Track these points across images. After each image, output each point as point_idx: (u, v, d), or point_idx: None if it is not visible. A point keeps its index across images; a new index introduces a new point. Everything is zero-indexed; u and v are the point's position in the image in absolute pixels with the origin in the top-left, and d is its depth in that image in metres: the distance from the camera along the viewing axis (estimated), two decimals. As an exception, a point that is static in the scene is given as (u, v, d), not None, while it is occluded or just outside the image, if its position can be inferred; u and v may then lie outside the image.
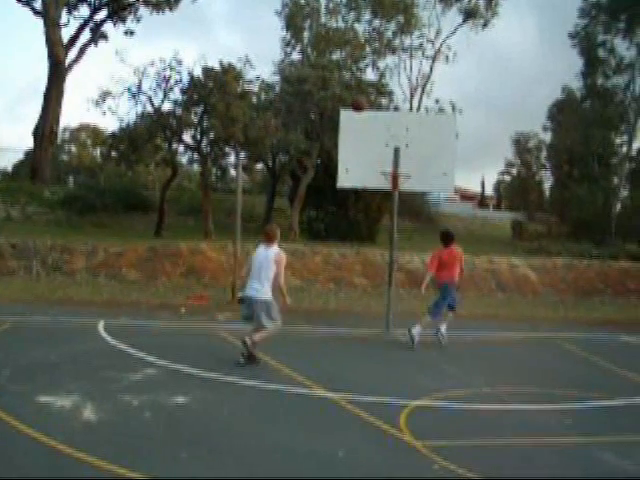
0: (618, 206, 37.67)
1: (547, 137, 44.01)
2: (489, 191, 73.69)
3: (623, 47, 36.77)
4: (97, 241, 19.86)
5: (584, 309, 19.61)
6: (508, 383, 9.76)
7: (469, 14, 40.36)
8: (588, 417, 8.26)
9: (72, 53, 32.34)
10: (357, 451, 6.43)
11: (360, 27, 36.39)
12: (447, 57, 41.33)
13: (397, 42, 38.64)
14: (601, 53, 37.42)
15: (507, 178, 52.92)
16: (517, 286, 21.60)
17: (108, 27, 34.67)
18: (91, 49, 29.70)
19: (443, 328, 12.32)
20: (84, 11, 33.17)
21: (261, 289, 9.75)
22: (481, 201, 69.66)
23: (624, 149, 38.33)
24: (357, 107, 13.04)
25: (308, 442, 6.61)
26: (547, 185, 46.28)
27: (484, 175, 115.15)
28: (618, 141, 39.17)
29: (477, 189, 73.39)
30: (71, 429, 6.45)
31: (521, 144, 46.34)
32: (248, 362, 9.55)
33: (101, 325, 11.98)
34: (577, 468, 6.43)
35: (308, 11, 32.23)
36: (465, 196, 64.04)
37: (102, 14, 33.59)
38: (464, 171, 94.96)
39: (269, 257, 9.80)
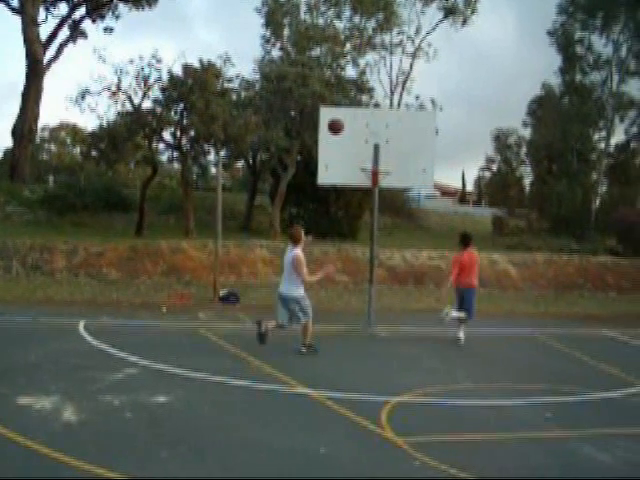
0: (597, 201, 38.04)
1: (527, 133, 44.31)
2: (470, 187, 74.07)
3: (600, 44, 37.16)
4: (77, 240, 19.74)
5: (564, 304, 19.76)
6: (489, 378, 9.83)
7: (449, 11, 40.55)
8: (568, 411, 8.34)
9: (51, 51, 32.15)
10: (339, 448, 6.46)
11: (340, 24, 36.43)
12: (427, 55, 41.55)
13: (377, 39, 38.70)
14: (579, 50, 37.76)
15: (487, 174, 53.18)
16: (498, 281, 21.72)
17: (87, 25, 34.48)
18: (70, 47, 29.48)
19: (455, 314, 12.53)
20: (62, 8, 32.99)
21: (289, 287, 10.58)
22: (462, 197, 69.93)
23: (602, 145, 38.68)
24: (334, 128, 13.03)
25: (290, 440, 6.63)
26: (527, 181, 46.63)
27: (465, 171, 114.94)
28: (596, 137, 39.55)
29: (458, 185, 73.72)
30: (51, 430, 6.43)
31: (501, 140, 46.57)
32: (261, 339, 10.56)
33: (82, 325, 11.92)
34: (557, 462, 6.50)
35: (288, 8, 32.14)
36: (446, 192, 64.29)
37: (81, 11, 33.42)
38: (445, 167, 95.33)
39: (289, 259, 10.58)
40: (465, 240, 12.95)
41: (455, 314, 12.46)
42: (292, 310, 10.61)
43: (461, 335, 12.42)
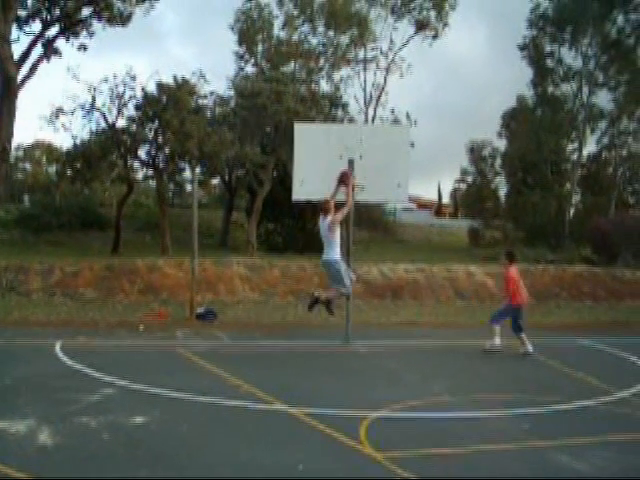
0: (571, 211, 38.47)
1: (501, 145, 44.70)
2: (446, 199, 74.42)
3: (570, 57, 37.72)
4: (53, 260, 19.62)
5: (540, 314, 19.85)
6: (468, 390, 9.86)
7: (420, 25, 40.84)
8: (545, 421, 8.37)
9: (24, 69, 31.89)
10: (317, 464, 6.44)
11: (314, 40, 36.63)
12: (401, 71, 41.79)
13: (351, 54, 38.93)
14: (549, 63, 38.28)
15: (463, 186, 53.42)
16: (475, 293, 21.83)
17: (61, 43, 34.31)
18: (44, 65, 29.28)
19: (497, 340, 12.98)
20: (36, 27, 32.75)
21: (327, 252, 11.84)
22: (438, 209, 70.26)
23: (575, 156, 39.16)
24: (344, 180, 12.72)
25: (268, 457, 6.60)
26: (502, 192, 46.96)
27: (440, 183, 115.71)
28: (569, 148, 40.07)
29: (434, 197, 74.08)
30: (26, 454, 6.35)
31: (476, 152, 46.88)
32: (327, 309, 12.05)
33: (58, 346, 11.82)
34: (534, 472, 6.53)
35: (260, 25, 32.25)
36: (422, 205, 64.58)
37: (54, 29, 33.21)
38: (421, 180, 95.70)
39: (325, 225, 11.86)
40: (513, 257, 13.56)
41: (498, 341, 12.91)
42: (333, 274, 11.84)
43: (529, 348, 12.87)
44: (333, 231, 11.73)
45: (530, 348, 12.83)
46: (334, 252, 11.80)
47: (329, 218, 11.79)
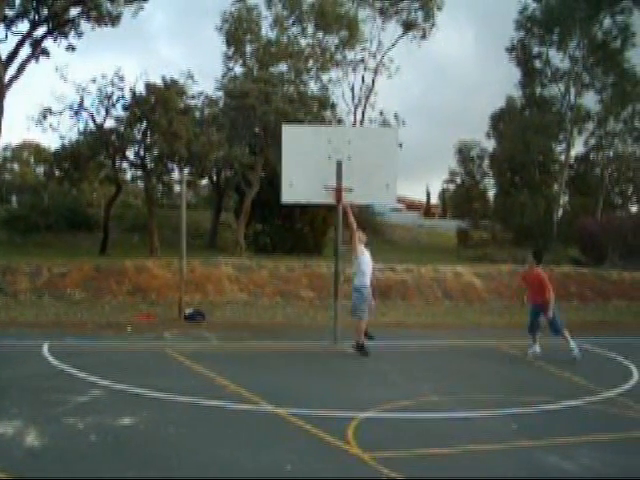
0: (559, 212, 38.66)
1: (490, 145, 44.83)
2: (434, 200, 74.60)
3: (558, 58, 37.93)
4: (41, 261, 19.55)
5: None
6: (455, 391, 9.89)
7: (408, 26, 40.89)
8: (533, 421, 8.42)
9: (12, 69, 31.75)
10: (305, 465, 6.45)
11: (304, 41, 36.60)
12: (389, 72, 41.81)
13: (340, 56, 38.93)
14: (537, 64, 38.46)
15: (451, 187, 53.59)
16: (463, 294, 21.88)
17: (49, 43, 34.12)
18: (33, 65, 29.09)
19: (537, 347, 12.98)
20: (23, 27, 32.60)
21: (355, 279, 12.52)
22: (426, 210, 70.39)
23: (563, 157, 39.35)
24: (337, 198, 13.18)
25: (256, 458, 6.61)
26: (491, 193, 47.13)
27: (429, 184, 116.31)
28: (558, 149, 40.29)
29: (423, 198, 74.27)
30: (12, 456, 6.34)
31: (464, 153, 47.03)
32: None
33: (46, 347, 11.78)
34: (522, 472, 6.57)
35: (248, 25, 32.14)
36: (411, 206, 64.69)
37: (42, 29, 33.07)
38: (409, 181, 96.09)
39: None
40: (539, 256, 13.32)
41: (537, 349, 12.91)
42: (353, 301, 12.32)
43: (537, 349, 12.97)
44: (356, 257, 12.50)
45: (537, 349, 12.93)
46: (358, 279, 12.46)
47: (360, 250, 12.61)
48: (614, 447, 7.45)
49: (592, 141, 40.95)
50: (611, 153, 41.29)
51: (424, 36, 41.35)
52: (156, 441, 6.99)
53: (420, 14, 40.67)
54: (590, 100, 39.20)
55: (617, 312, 20.96)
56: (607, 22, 36.60)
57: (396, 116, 38.62)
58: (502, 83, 77.57)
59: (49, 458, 6.37)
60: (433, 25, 41.05)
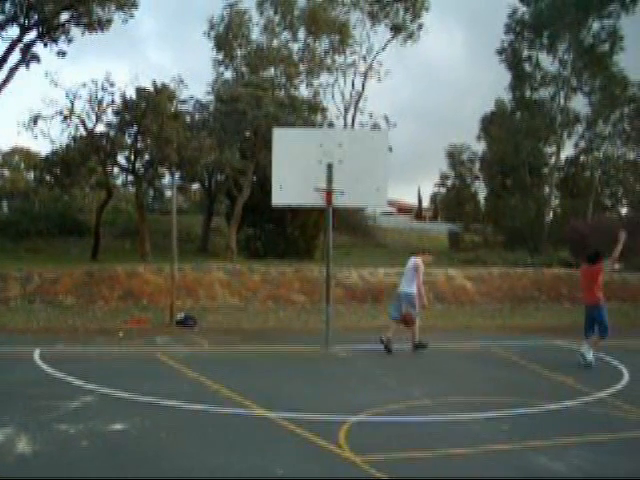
0: (550, 214, 38.80)
1: (480, 148, 44.95)
2: (426, 203, 74.69)
3: (547, 62, 38.09)
4: (32, 267, 19.49)
5: (520, 316, 20.04)
6: (447, 394, 9.90)
7: (397, 29, 40.97)
8: (524, 423, 8.44)
9: (2, 74, 31.69)
10: (296, 469, 6.46)
11: (295, 46, 36.66)
12: (379, 76, 41.88)
13: (330, 61, 38.98)
14: (527, 67, 38.61)
15: (442, 190, 53.65)
16: (454, 297, 21.94)
17: (39, 48, 34.05)
18: (23, 70, 29.02)
19: (585, 349, 12.51)
20: (13, 32, 32.52)
21: (407, 285, 13.40)
22: (418, 213, 70.48)
23: (553, 159, 39.50)
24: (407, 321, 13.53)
25: (248, 462, 6.61)
26: (482, 196, 47.24)
27: (420, 187, 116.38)
28: (548, 151, 40.42)
29: (414, 201, 74.36)
30: (3, 463, 6.32)
31: (455, 156, 47.14)
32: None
33: (37, 353, 11.76)
34: (512, 474, 6.58)
35: (237, 31, 32.13)
36: (402, 209, 64.78)
37: (32, 35, 33.01)
38: (401, 184, 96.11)
39: (411, 264, 13.51)
40: (596, 257, 12.96)
41: (590, 355, 12.45)
42: (405, 306, 13.21)
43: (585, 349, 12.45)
44: (417, 272, 13.32)
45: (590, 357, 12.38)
46: (412, 288, 13.32)
47: (417, 259, 13.52)
48: (604, 447, 7.48)
49: (582, 144, 41.09)
50: (601, 155, 41.46)
51: (410, 36, 41.41)
52: (148, 446, 6.98)
53: (408, 17, 40.77)
54: (579, 103, 39.43)
55: (607, 313, 21.01)
56: (596, 26, 36.80)
57: (386, 119, 38.73)
58: (492, 86, 77.89)
59: (40, 464, 6.35)
60: (421, 27, 41.19)
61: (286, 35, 36.78)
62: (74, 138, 24.43)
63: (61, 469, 6.26)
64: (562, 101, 38.18)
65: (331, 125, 30.96)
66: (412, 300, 13.27)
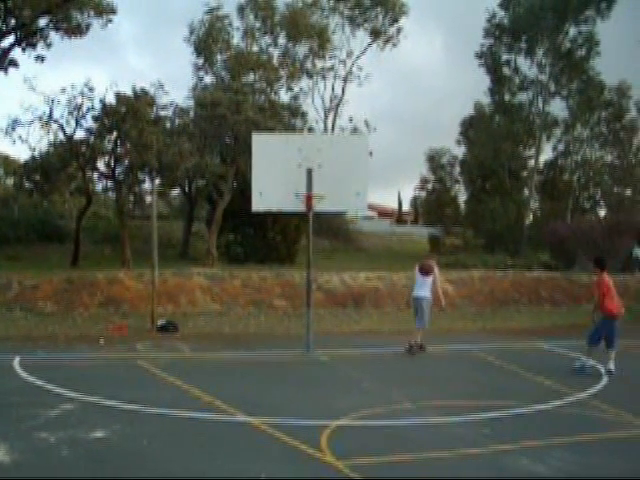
0: (530, 217, 39.09)
1: (460, 152, 45.12)
2: (406, 207, 74.79)
3: (526, 66, 38.40)
4: (11, 274, 19.32)
5: (500, 319, 20.16)
6: (428, 397, 9.96)
7: (376, 33, 41.10)
8: (505, 425, 8.52)
9: (-21, 81, 31.50)
10: (279, 473, 6.48)
11: (275, 51, 36.65)
12: (359, 79, 42.00)
13: (310, 65, 39.02)
14: (506, 71, 38.88)
15: (423, 194, 53.78)
16: (435, 300, 21.96)
17: (18, 53, 33.85)
18: (1, 76, 28.74)
19: (590, 362, 12.38)
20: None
21: (425, 290, 14.04)
22: (399, 217, 70.59)
23: (532, 162, 39.83)
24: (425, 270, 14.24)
25: (230, 467, 6.62)
26: (462, 199, 47.42)
27: (401, 191, 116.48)
28: (528, 154, 40.77)
29: (394, 205, 74.45)
30: (-16, 471, 6.30)
31: (435, 160, 47.28)
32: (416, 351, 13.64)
33: (17, 361, 11.66)
34: (494, 476, 6.64)
35: (217, 36, 32.02)
36: (383, 213, 64.89)
37: (9, 40, 32.81)
38: (381, 188, 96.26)
39: (427, 277, 14.13)
40: (602, 263, 12.79)
41: (591, 362, 12.36)
42: (422, 308, 13.88)
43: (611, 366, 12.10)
44: (437, 275, 14.31)
45: (612, 366, 12.08)
46: (426, 292, 13.99)
47: (432, 274, 14.16)
48: (586, 448, 7.58)
49: (560, 147, 41.59)
50: (579, 158, 41.91)
51: (388, 41, 41.55)
52: (129, 454, 6.97)
53: (388, 21, 40.94)
54: (557, 107, 39.79)
55: (588, 315, 21.09)
56: (572, 31, 37.20)
57: (366, 123, 38.84)
58: (472, 90, 78.20)
59: (20, 473, 6.32)
60: (400, 31, 41.37)
61: (267, 40, 36.81)
62: (53, 144, 24.28)
63: (41, 478, 6.22)
64: (541, 105, 38.52)
65: (311, 130, 30.97)
66: (427, 305, 14.08)
